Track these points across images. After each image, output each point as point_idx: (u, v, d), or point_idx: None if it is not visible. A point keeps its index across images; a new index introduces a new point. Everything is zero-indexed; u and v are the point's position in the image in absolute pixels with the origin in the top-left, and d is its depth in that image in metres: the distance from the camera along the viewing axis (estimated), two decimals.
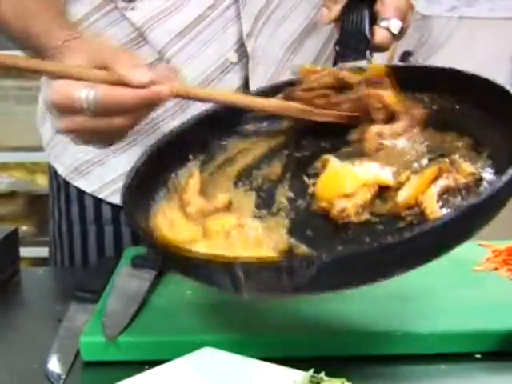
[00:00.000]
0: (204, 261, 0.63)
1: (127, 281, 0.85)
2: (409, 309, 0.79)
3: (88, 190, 1.05)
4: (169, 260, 0.70)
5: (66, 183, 1.07)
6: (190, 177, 0.77)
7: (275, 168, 0.79)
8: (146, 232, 0.70)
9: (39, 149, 2.05)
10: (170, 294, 0.84)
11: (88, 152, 1.02)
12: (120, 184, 1.01)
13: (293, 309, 0.78)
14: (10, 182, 2.21)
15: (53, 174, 1.10)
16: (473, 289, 0.85)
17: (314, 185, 0.73)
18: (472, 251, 0.97)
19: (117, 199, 1.02)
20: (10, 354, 0.76)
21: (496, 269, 0.92)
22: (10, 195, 2.20)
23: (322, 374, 0.58)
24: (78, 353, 0.74)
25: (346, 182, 0.69)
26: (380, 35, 0.86)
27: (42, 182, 2.25)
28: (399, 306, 0.79)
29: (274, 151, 0.81)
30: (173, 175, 0.78)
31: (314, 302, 0.80)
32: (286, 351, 0.71)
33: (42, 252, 1.56)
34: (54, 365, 0.71)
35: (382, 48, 0.87)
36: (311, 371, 0.58)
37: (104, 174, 1.03)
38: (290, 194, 0.75)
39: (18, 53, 0.87)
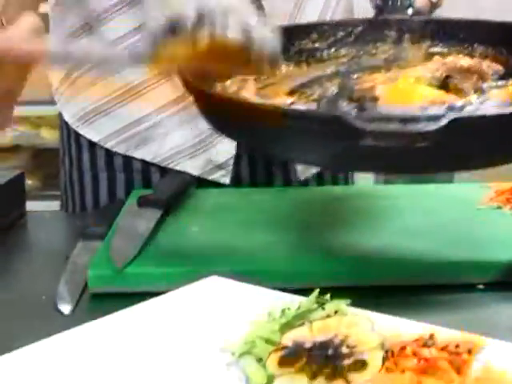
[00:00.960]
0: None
1: (133, 218, 0.85)
2: (412, 242, 0.80)
3: (94, 139, 1.05)
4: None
5: (77, 134, 1.08)
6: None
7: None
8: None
9: (44, 102, 2.06)
10: (176, 231, 0.85)
11: (93, 101, 1.03)
12: (126, 135, 1.03)
13: (301, 241, 0.80)
14: (14, 136, 2.22)
15: (63, 122, 1.10)
16: (476, 223, 0.86)
17: None
18: (475, 191, 0.98)
19: (123, 149, 1.02)
20: (19, 288, 0.77)
21: (499, 207, 0.93)
22: (15, 149, 2.20)
23: (327, 296, 0.59)
24: (85, 286, 0.75)
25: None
26: (421, 2, 0.88)
27: (46, 135, 2.26)
28: (403, 241, 0.80)
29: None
30: None
31: (324, 233, 0.82)
32: (295, 282, 0.71)
33: (48, 206, 1.57)
34: (63, 296, 0.72)
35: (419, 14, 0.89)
36: (316, 292, 0.59)
37: (109, 124, 1.04)
38: None
39: None
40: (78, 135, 1.07)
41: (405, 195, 0.99)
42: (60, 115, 1.11)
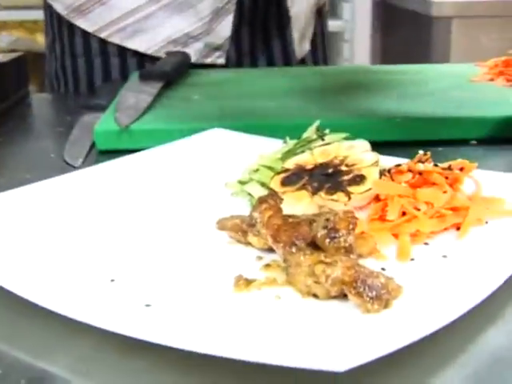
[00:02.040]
0: None
1: (136, 88, 0.87)
2: (409, 104, 0.82)
3: (89, 29, 1.06)
4: None
5: (69, 22, 1.08)
6: None
7: None
8: None
9: (39, 7, 2.03)
10: (178, 98, 0.87)
11: None
12: (123, 23, 1.04)
13: (302, 104, 0.82)
14: (10, 41, 2.21)
15: (53, 13, 1.11)
16: (469, 92, 0.88)
17: None
18: (470, 69, 1.00)
19: (117, 39, 1.04)
20: (28, 150, 0.79)
21: (492, 79, 0.95)
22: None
23: (327, 131, 0.61)
24: (92, 147, 0.77)
25: None
26: None
27: (42, 40, 2.24)
28: (399, 102, 0.82)
29: None
30: None
31: (325, 98, 0.84)
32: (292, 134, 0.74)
33: None
34: (71, 152, 0.75)
35: None
36: (317, 122, 0.61)
37: (106, 14, 1.04)
38: None
39: None
40: (70, 25, 1.08)
41: (401, 71, 1.01)
42: (48, 8, 1.12)
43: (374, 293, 0.39)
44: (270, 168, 0.57)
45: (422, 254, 0.47)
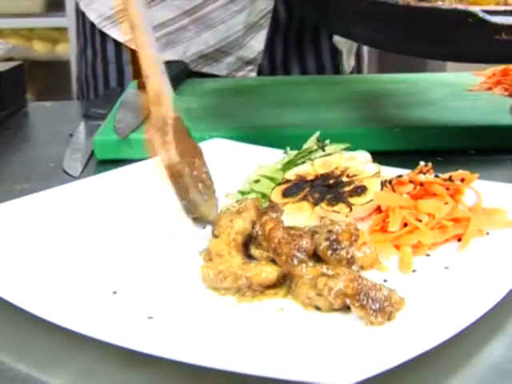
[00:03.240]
0: None
1: (136, 97, 0.87)
2: (406, 113, 0.82)
3: (120, 39, 1.06)
4: None
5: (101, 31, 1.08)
6: None
7: None
8: None
9: (34, 15, 2.05)
10: (176, 107, 0.87)
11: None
12: (155, 35, 1.04)
13: (297, 112, 0.83)
14: (6, 48, 2.21)
15: (86, 21, 1.10)
16: (467, 101, 0.88)
17: None
18: (467, 78, 1.00)
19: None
20: (26, 159, 0.79)
21: (489, 88, 0.95)
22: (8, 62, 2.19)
23: (327, 141, 0.61)
24: (91, 156, 0.77)
25: None
26: None
27: (38, 48, 2.25)
28: (398, 112, 0.83)
29: None
30: None
31: (319, 107, 0.84)
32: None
33: None
34: (70, 163, 0.74)
35: None
36: (317, 133, 0.61)
37: None
38: None
39: None
40: (103, 34, 1.08)
41: (399, 80, 1.01)
42: (81, 14, 1.11)
43: (378, 305, 0.39)
44: (270, 179, 0.57)
45: (424, 266, 0.47)
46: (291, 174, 0.56)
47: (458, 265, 0.47)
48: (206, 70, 1.05)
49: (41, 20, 1.93)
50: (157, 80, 0.50)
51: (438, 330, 0.38)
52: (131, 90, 0.92)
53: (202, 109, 0.86)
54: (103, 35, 1.08)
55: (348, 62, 1.13)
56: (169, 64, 0.97)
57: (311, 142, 0.60)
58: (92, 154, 0.77)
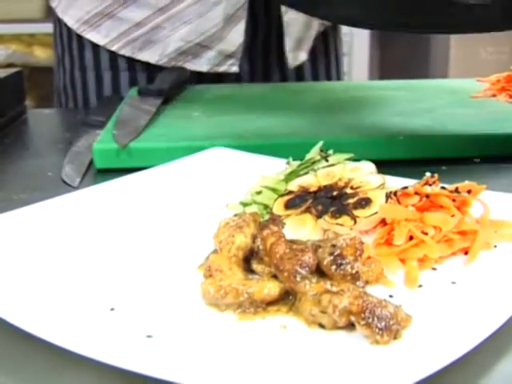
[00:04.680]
0: None
1: (135, 105, 0.86)
2: (410, 121, 0.81)
3: (101, 42, 1.06)
4: None
5: (79, 35, 1.08)
6: None
7: None
8: None
9: (36, 21, 2.04)
10: (178, 115, 0.86)
11: (97, 5, 1.03)
12: (132, 35, 1.04)
13: (301, 121, 0.81)
14: (6, 54, 2.20)
15: (63, 27, 1.10)
16: (471, 109, 0.87)
17: None
18: (471, 84, 0.99)
19: (129, 51, 1.03)
20: (24, 168, 0.78)
21: (494, 95, 0.94)
22: (8, 67, 2.18)
23: (331, 151, 0.60)
24: (90, 165, 0.76)
25: None
26: None
27: (39, 54, 2.24)
28: (401, 120, 0.82)
29: None
30: None
31: (321, 115, 0.83)
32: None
33: None
34: (69, 172, 0.73)
35: None
36: (320, 143, 0.60)
37: (115, 27, 1.04)
38: None
39: None
40: (80, 38, 1.08)
41: (401, 87, 1.00)
42: (58, 21, 1.11)
43: (384, 323, 0.38)
44: (273, 190, 0.56)
45: (430, 280, 0.46)
46: (294, 185, 0.55)
47: (465, 279, 0.45)
48: (186, 66, 1.04)
49: (41, 26, 1.91)
50: None
51: (447, 350, 0.36)
52: (131, 97, 0.90)
53: (204, 116, 0.85)
54: (81, 42, 1.07)
55: (294, 55, 1.10)
56: (171, 71, 0.97)
57: (314, 152, 0.59)
58: (91, 162, 0.76)
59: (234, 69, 1.06)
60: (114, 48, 1.05)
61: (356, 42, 2.53)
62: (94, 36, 1.06)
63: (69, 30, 1.09)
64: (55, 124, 0.98)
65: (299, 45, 1.11)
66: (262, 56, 1.10)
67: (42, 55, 2.22)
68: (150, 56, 1.04)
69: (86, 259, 0.49)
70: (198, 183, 0.64)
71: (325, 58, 1.18)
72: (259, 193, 0.56)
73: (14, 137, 0.90)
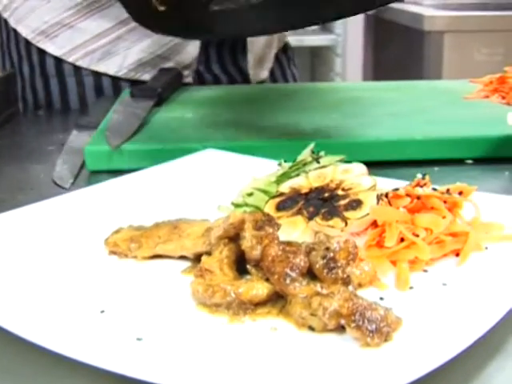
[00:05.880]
0: None
1: (127, 107, 0.86)
2: (402, 122, 0.81)
3: (57, 53, 1.04)
4: None
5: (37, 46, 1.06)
6: None
7: None
8: None
9: None
10: (170, 117, 0.86)
11: (56, 15, 1.02)
12: (91, 47, 1.03)
13: (292, 120, 0.82)
14: None
15: (19, 36, 1.07)
16: (463, 110, 0.87)
17: None
18: (463, 86, 0.99)
19: (87, 62, 1.02)
20: (16, 170, 0.78)
21: (487, 96, 0.94)
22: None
23: (322, 153, 0.60)
24: (82, 167, 0.76)
25: None
26: None
27: None
28: (394, 121, 0.82)
29: None
30: None
31: (313, 116, 0.83)
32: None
33: None
34: (61, 174, 0.73)
35: None
36: (312, 145, 0.60)
37: (73, 37, 1.03)
38: None
39: None
40: (40, 48, 1.06)
41: (394, 88, 1.00)
42: (12, 32, 1.08)
43: (374, 326, 0.38)
44: (264, 192, 0.56)
45: (422, 282, 0.46)
46: (285, 187, 0.55)
47: (456, 281, 0.45)
48: (144, 77, 1.03)
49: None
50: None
51: (437, 352, 0.36)
52: (124, 98, 0.90)
53: (196, 118, 0.85)
54: (41, 51, 1.05)
55: (255, 71, 1.11)
56: (162, 72, 0.97)
57: (305, 154, 0.59)
58: (83, 164, 0.75)
59: (188, 80, 1.06)
60: (70, 59, 1.03)
61: (350, 43, 2.53)
62: (49, 47, 1.04)
63: (26, 39, 1.06)
64: (47, 126, 0.98)
65: (261, 63, 1.11)
66: (219, 68, 1.10)
67: None
68: (108, 67, 1.03)
69: (76, 261, 0.49)
70: (190, 185, 0.64)
71: (282, 78, 1.19)
72: (250, 195, 0.56)
73: (7, 138, 0.90)
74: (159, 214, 0.56)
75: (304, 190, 0.54)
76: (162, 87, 0.91)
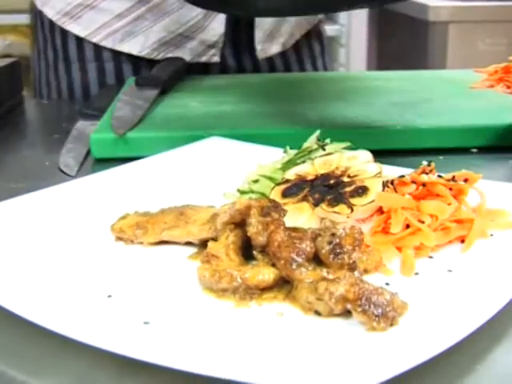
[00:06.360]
0: None
1: (132, 95, 0.86)
2: (407, 111, 0.81)
3: (82, 34, 1.05)
4: None
5: (61, 27, 1.07)
6: None
7: None
8: None
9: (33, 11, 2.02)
10: (175, 105, 0.86)
11: None
12: (113, 27, 1.03)
13: (297, 109, 0.81)
14: (3, 45, 2.19)
15: (45, 19, 1.09)
16: (469, 99, 0.87)
17: None
18: (468, 75, 0.99)
19: (111, 42, 1.03)
20: (22, 158, 0.78)
21: (491, 86, 0.94)
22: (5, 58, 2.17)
23: (327, 140, 0.60)
24: (88, 155, 0.76)
25: None
26: None
27: None
28: (399, 110, 0.82)
29: None
30: None
31: (318, 105, 0.83)
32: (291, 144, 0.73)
33: None
34: (66, 161, 0.73)
35: None
36: (317, 132, 0.60)
37: (96, 18, 1.04)
38: None
39: None
40: (63, 30, 1.07)
41: (399, 78, 1.00)
42: (38, 14, 1.10)
43: (380, 310, 0.38)
44: (270, 178, 0.56)
45: (427, 268, 0.46)
46: (291, 174, 0.55)
47: (461, 267, 0.46)
48: (169, 56, 1.03)
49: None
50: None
51: (442, 336, 0.36)
52: (129, 87, 0.90)
53: (201, 106, 0.85)
54: (64, 34, 1.06)
55: (264, 47, 1.10)
56: (168, 61, 0.97)
57: (311, 141, 0.59)
58: (88, 152, 0.76)
59: (215, 59, 1.06)
60: (95, 40, 1.04)
61: (354, 33, 2.53)
62: (74, 28, 1.05)
63: (50, 22, 1.08)
64: (52, 114, 0.98)
65: (271, 36, 1.10)
66: (248, 46, 1.10)
67: None
68: (131, 47, 1.04)
69: (83, 247, 0.49)
70: (196, 172, 0.64)
71: (312, 67, 1.18)
72: (256, 181, 0.56)
73: (12, 126, 0.90)
74: (165, 200, 0.56)
75: (310, 177, 0.54)
76: (167, 76, 0.91)
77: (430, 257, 0.47)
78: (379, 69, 2.54)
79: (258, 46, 1.09)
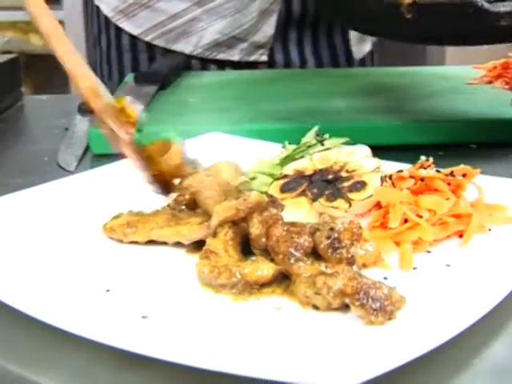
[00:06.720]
0: None
1: (131, 91, 0.86)
2: (406, 107, 0.81)
3: (134, 32, 1.06)
4: None
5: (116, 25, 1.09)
6: None
7: None
8: None
9: None
10: (174, 101, 0.86)
11: None
12: (167, 27, 1.04)
13: (295, 104, 0.82)
14: (2, 41, 2.19)
15: (101, 15, 1.11)
16: (467, 95, 0.87)
17: None
18: (467, 71, 0.99)
19: (163, 42, 1.03)
20: (21, 153, 0.78)
21: (490, 82, 0.94)
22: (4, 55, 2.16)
23: (326, 135, 0.60)
24: (87, 148, 0.76)
25: None
26: None
27: (36, 41, 2.24)
28: (398, 106, 0.82)
29: None
30: None
31: (317, 99, 0.84)
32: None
33: None
34: (65, 157, 0.73)
35: None
36: (316, 128, 0.60)
37: (151, 17, 1.05)
38: None
39: None
40: (117, 28, 1.08)
41: (398, 74, 1.00)
42: (95, 8, 1.12)
43: (378, 304, 0.38)
44: (268, 174, 0.56)
45: (425, 263, 0.46)
46: (289, 169, 0.55)
47: (459, 262, 0.46)
48: (220, 56, 1.05)
49: None
50: (86, 76, 0.53)
51: (440, 330, 0.37)
52: (128, 82, 0.90)
53: (200, 102, 0.85)
54: (118, 27, 1.08)
55: (358, 47, 1.12)
56: (167, 57, 0.97)
57: (310, 137, 0.59)
58: (87, 148, 0.76)
59: (264, 58, 1.07)
60: (147, 38, 1.06)
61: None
62: (127, 26, 1.06)
63: (105, 16, 1.09)
64: (51, 110, 0.98)
65: (362, 37, 1.13)
66: (298, 47, 1.10)
67: (39, 42, 2.21)
68: (184, 47, 1.05)
69: (82, 242, 0.49)
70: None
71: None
72: (253, 179, 0.56)
73: (11, 123, 0.90)
74: (162, 196, 0.56)
75: (308, 172, 0.54)
76: (165, 72, 0.91)
77: (428, 251, 0.48)
78: (379, 64, 2.53)
79: (354, 48, 1.12)
